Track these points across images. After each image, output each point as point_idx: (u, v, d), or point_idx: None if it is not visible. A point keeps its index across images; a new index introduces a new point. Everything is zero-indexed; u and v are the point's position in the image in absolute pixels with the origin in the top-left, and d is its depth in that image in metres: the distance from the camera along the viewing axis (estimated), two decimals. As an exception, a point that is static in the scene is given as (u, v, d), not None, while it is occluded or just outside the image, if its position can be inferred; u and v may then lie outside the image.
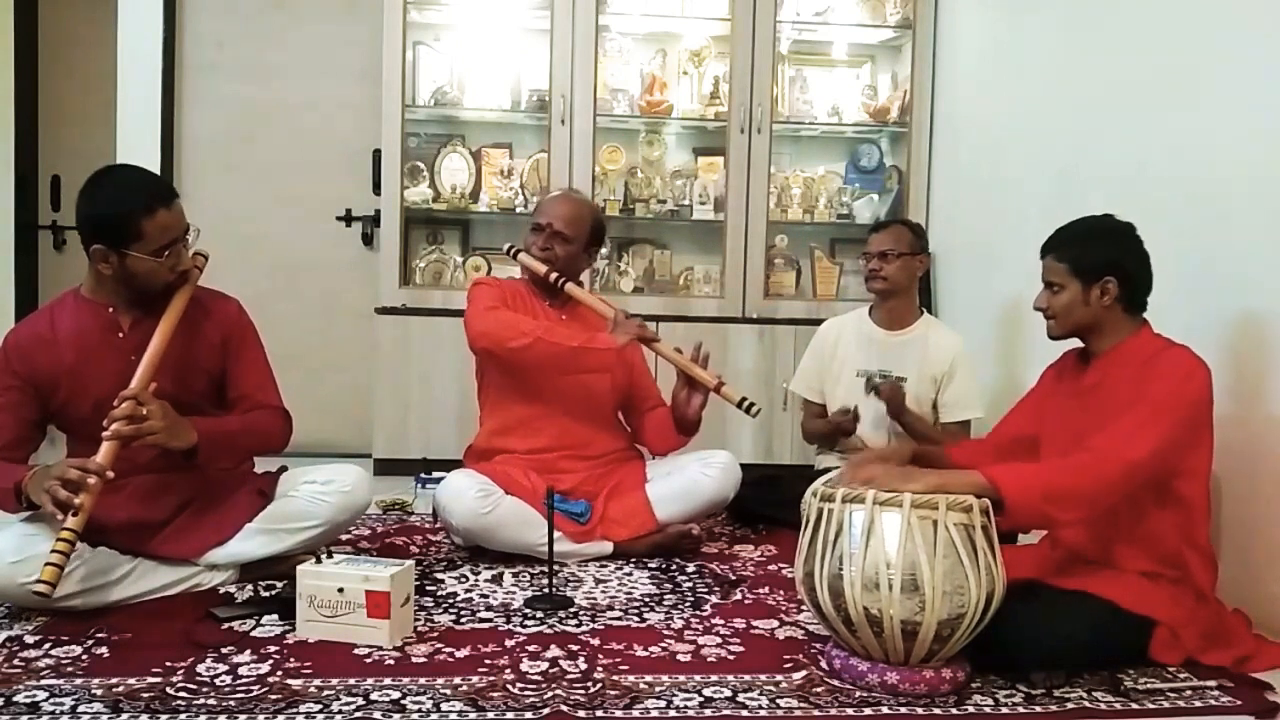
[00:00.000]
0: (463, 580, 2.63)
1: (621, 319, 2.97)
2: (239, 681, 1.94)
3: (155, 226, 2.29)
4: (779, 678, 2.03)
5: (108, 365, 2.35)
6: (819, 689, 1.98)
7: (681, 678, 2.02)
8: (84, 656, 2.05)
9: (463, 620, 2.32)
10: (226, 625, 2.23)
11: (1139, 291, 2.25)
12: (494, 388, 3.04)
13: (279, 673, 1.98)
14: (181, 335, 2.39)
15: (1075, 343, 2.35)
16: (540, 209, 3.10)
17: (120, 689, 1.89)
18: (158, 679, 1.94)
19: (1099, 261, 2.21)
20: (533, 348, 2.83)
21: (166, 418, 2.25)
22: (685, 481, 2.96)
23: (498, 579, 2.64)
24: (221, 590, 2.46)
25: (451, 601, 2.45)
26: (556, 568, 2.57)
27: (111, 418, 2.20)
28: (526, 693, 1.92)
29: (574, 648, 2.16)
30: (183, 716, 1.79)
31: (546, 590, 2.48)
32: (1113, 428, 2.09)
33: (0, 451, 2.31)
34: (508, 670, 2.03)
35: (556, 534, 2.54)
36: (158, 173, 4.13)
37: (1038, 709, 1.92)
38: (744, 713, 1.87)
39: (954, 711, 1.91)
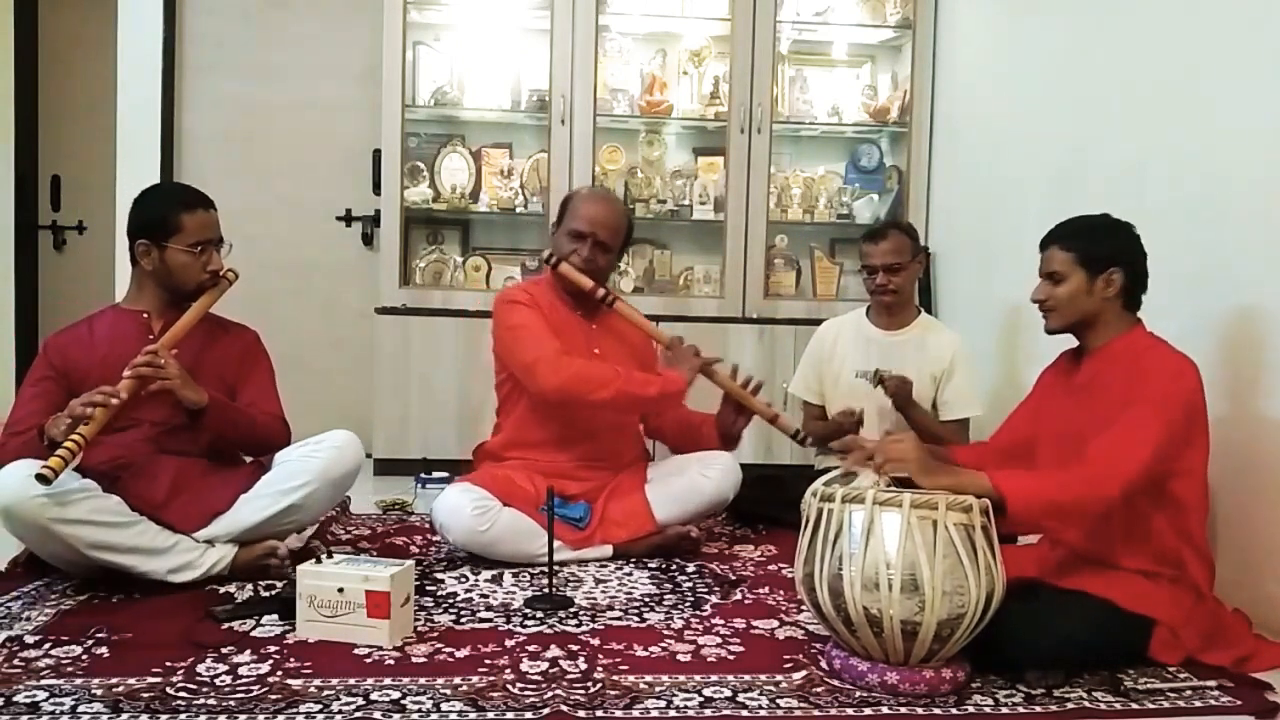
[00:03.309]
0: (463, 580, 2.63)
1: (678, 347, 2.95)
2: (239, 681, 1.94)
3: (194, 222, 2.56)
4: (779, 678, 2.03)
5: None
6: (819, 689, 1.98)
7: (681, 678, 2.02)
8: (84, 656, 2.05)
9: (463, 620, 2.32)
10: (226, 625, 2.22)
11: (1138, 287, 2.26)
12: (524, 405, 2.93)
13: (279, 673, 1.98)
14: (200, 339, 2.60)
15: (1070, 341, 2.35)
16: (578, 213, 2.89)
17: (120, 689, 1.89)
18: (158, 679, 1.93)
19: (1106, 252, 2.22)
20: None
21: (181, 372, 2.44)
22: (685, 483, 2.95)
23: (498, 579, 2.64)
24: (221, 590, 2.46)
25: (451, 601, 2.45)
26: (556, 568, 2.57)
27: (133, 364, 2.39)
28: (526, 693, 1.92)
29: (574, 648, 2.16)
30: (183, 716, 1.79)
31: (546, 590, 2.48)
32: (1108, 437, 2.09)
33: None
34: (508, 670, 2.03)
35: (555, 544, 2.53)
36: (158, 173, 4.20)
37: (1038, 709, 1.92)
38: (744, 713, 1.87)
39: (954, 711, 1.91)
